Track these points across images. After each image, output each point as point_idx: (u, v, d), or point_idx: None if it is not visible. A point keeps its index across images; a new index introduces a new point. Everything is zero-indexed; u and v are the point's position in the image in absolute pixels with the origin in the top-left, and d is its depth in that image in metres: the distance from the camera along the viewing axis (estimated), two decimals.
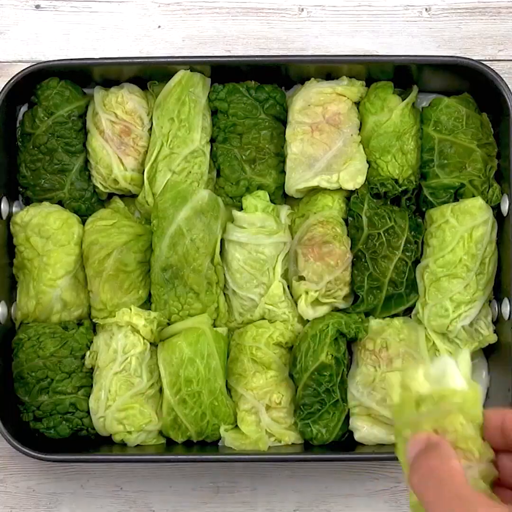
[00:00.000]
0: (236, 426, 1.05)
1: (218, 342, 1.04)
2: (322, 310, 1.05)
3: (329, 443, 1.04)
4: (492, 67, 1.02)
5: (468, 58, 1.03)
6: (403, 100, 1.06)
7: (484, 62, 1.03)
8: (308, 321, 1.05)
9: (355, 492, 1.11)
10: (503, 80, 1.01)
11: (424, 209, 1.07)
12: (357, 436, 1.04)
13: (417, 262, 1.05)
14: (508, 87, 1.01)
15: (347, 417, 1.05)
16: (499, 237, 1.05)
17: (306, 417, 1.03)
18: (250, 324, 1.06)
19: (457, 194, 1.05)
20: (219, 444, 1.06)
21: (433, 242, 1.04)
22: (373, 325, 1.05)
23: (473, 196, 1.04)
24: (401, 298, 1.05)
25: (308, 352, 1.03)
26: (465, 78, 1.05)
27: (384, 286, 1.04)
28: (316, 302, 1.04)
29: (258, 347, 1.04)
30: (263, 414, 1.03)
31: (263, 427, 1.03)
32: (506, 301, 1.03)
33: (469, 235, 1.02)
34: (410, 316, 1.07)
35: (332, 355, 1.03)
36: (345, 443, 1.05)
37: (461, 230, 1.02)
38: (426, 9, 1.12)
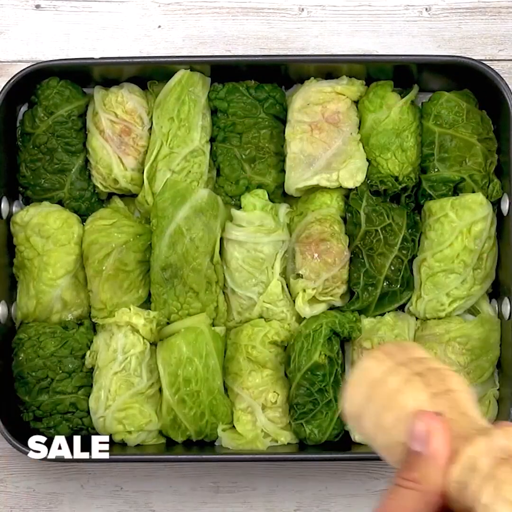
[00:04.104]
0: (234, 425, 1.05)
1: (216, 341, 1.04)
2: (319, 308, 1.05)
3: (322, 443, 1.04)
4: (492, 67, 1.02)
5: (468, 58, 1.03)
6: (402, 98, 1.06)
7: (484, 62, 1.03)
8: (305, 319, 1.05)
9: (355, 492, 1.10)
10: (503, 79, 1.01)
11: (422, 202, 1.06)
12: (358, 437, 1.04)
13: (413, 260, 1.05)
14: (508, 87, 1.01)
15: (341, 417, 1.05)
16: (498, 235, 1.05)
17: (300, 417, 1.03)
18: (246, 323, 1.06)
19: (457, 188, 1.05)
20: (216, 443, 1.06)
21: (431, 235, 1.04)
22: (365, 324, 1.05)
23: (473, 191, 1.04)
24: (395, 296, 1.05)
25: (301, 352, 1.03)
26: (465, 78, 1.05)
27: (380, 283, 1.04)
28: (313, 300, 1.04)
29: (254, 346, 1.04)
30: (260, 414, 1.03)
31: (259, 427, 1.03)
32: (506, 301, 1.03)
33: (468, 230, 1.02)
34: (403, 311, 1.07)
35: (326, 355, 1.02)
36: (343, 443, 1.05)
37: (460, 225, 1.02)
38: (426, 9, 1.12)
